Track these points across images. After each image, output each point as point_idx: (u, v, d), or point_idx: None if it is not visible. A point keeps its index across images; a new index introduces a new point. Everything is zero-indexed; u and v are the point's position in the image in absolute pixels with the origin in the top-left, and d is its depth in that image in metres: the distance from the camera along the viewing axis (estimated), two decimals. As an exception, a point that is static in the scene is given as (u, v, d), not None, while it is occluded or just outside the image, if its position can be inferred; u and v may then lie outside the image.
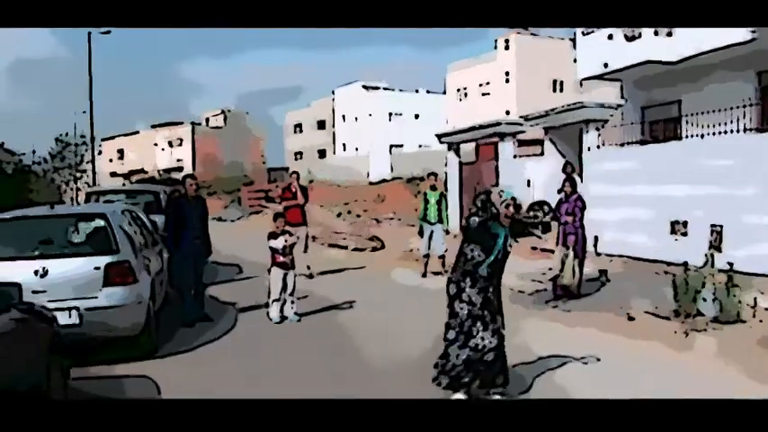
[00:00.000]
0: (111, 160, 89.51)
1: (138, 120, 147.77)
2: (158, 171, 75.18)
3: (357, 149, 70.85)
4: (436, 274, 14.07)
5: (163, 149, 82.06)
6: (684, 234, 13.18)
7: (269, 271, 10.30)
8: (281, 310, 10.14)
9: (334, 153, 75.43)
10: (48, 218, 8.57)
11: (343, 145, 75.35)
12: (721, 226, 12.22)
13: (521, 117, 20.85)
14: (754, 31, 15.38)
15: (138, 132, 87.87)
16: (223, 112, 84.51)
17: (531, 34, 59.55)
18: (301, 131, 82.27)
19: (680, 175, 13.67)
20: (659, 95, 20.37)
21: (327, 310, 11.17)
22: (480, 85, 62.67)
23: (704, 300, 8.99)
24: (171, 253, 9.81)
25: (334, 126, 77.57)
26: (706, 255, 10.04)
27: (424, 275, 14.51)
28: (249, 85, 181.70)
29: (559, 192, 11.81)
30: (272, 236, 10.19)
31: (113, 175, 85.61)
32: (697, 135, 15.69)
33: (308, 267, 14.38)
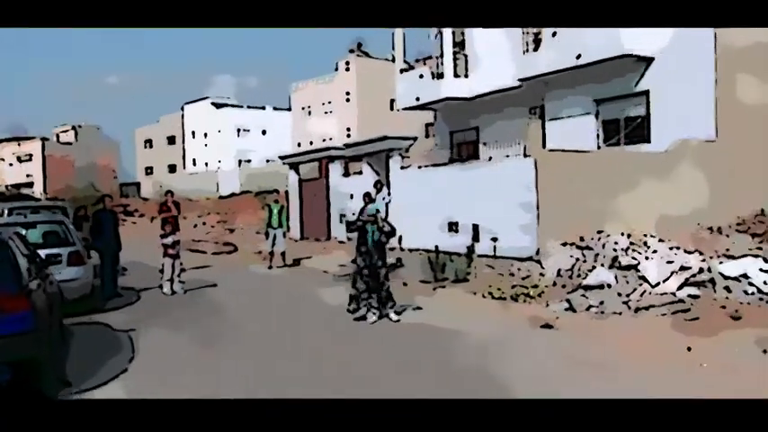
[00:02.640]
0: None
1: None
2: (6, 186, 74.06)
3: (207, 164, 73.01)
4: (280, 267, 18.95)
5: (11, 164, 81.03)
6: (457, 231, 18.38)
7: (163, 257, 14.81)
8: (171, 288, 14.63)
9: (185, 168, 77.15)
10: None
11: (193, 160, 77.32)
12: (477, 225, 17.46)
13: (344, 144, 25.88)
14: (521, 80, 21.26)
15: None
16: (74, 127, 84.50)
17: (370, 57, 64.47)
18: (152, 147, 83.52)
19: (454, 190, 18.72)
20: (462, 123, 26.09)
21: (205, 287, 15.76)
22: (323, 103, 66.87)
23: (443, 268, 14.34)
24: (96, 250, 14.06)
25: (184, 142, 79.41)
26: (467, 247, 15.45)
27: (270, 267, 19.26)
28: (98, 100, 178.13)
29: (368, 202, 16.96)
30: (164, 236, 14.78)
31: None
32: (486, 157, 21.41)
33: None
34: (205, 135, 76.93)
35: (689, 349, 7.93)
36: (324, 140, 56.86)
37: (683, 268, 10.23)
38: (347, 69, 64.83)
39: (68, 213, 17.67)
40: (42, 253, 10.44)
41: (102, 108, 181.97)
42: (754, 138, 16.41)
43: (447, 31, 24.22)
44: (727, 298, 9.48)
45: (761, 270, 9.98)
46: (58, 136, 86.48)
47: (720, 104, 16.80)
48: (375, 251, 11.41)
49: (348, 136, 59.05)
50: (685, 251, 11.11)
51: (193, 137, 78.64)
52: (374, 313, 11.10)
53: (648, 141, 18.30)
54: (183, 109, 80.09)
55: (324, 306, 12.51)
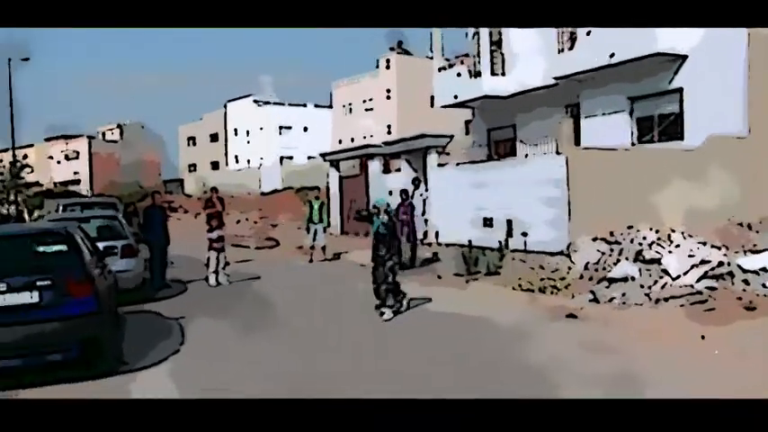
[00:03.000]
0: (1, 173, 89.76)
1: (28, 133, 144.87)
2: (54, 183, 75.78)
3: (249, 161, 73.78)
4: (320, 261, 19.67)
5: (59, 162, 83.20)
6: (491, 226, 18.88)
7: (208, 251, 15.65)
8: (217, 279, 15.39)
9: (227, 165, 78.00)
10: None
11: (236, 157, 78.09)
12: (511, 220, 17.94)
13: (383, 142, 26.51)
14: (556, 79, 21.67)
15: (31, 146, 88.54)
16: (119, 125, 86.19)
17: (410, 55, 64.87)
18: (195, 144, 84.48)
19: (489, 186, 19.21)
20: (500, 121, 26.54)
21: (249, 279, 16.56)
22: (364, 101, 67.16)
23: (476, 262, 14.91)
24: (146, 243, 14.89)
25: (226, 139, 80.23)
26: (500, 241, 16.02)
27: (311, 261, 19.97)
28: (142, 99, 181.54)
29: (404, 199, 17.60)
30: (210, 231, 15.54)
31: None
32: (522, 155, 21.87)
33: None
34: (247, 132, 77.56)
35: (702, 338, 8.38)
36: (365, 137, 57.33)
37: (703, 262, 10.64)
38: (387, 67, 64.98)
39: (118, 209, 18.57)
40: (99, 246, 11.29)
41: (146, 106, 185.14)
42: (786, 134, 16.59)
43: (484, 31, 24.64)
44: (744, 290, 9.87)
45: (781, 264, 10.35)
46: (103, 134, 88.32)
47: (752, 101, 17.02)
48: (381, 243, 11.58)
49: (389, 133, 59.51)
50: (707, 245, 11.49)
51: (236, 134, 79.29)
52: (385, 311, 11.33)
53: (682, 138, 18.55)
54: (225, 107, 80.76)
55: (358, 294, 13.17)
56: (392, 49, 65.46)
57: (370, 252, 11.74)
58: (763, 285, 9.89)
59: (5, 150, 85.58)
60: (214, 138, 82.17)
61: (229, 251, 17.74)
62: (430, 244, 20.46)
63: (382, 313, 11.23)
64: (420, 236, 20.69)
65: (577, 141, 22.06)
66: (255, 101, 77.92)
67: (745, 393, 5.98)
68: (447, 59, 28.33)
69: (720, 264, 10.56)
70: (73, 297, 7.72)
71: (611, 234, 14.55)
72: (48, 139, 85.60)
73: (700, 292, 9.96)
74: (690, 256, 10.85)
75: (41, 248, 8.38)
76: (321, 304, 13.15)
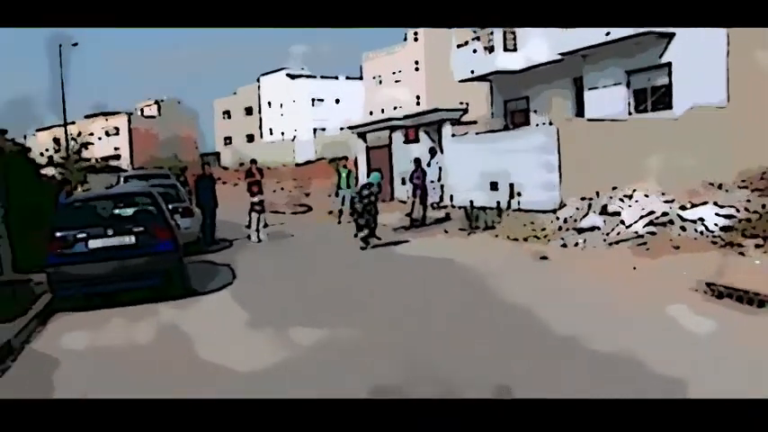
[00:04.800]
0: (46, 149, 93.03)
1: (70, 110, 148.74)
2: (96, 159, 78.11)
3: (283, 134, 75.49)
4: (348, 222, 22.38)
5: (100, 138, 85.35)
6: (497, 190, 21.22)
7: (249, 214, 18.51)
8: (258, 236, 18.24)
9: (262, 137, 79.93)
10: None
11: (270, 129, 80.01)
12: (513, 184, 20.27)
13: (403, 116, 28.87)
14: (561, 54, 23.89)
15: (73, 123, 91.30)
16: (157, 101, 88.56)
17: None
18: (230, 118, 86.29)
19: (495, 154, 21.41)
20: (514, 93, 28.83)
21: (285, 237, 19.41)
22: (393, 73, 68.69)
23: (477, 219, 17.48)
24: (199, 207, 17.72)
25: (260, 112, 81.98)
26: (498, 202, 18.50)
27: (339, 223, 22.65)
28: (178, 74, 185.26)
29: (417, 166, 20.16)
30: (252, 195, 18.32)
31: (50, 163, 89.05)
32: (534, 124, 24.19)
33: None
34: (281, 105, 78.97)
35: (634, 268, 10.96)
36: (395, 108, 59.13)
37: (650, 213, 13.00)
38: (416, 39, 66.27)
39: (171, 178, 21.37)
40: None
41: (182, 82, 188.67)
42: (763, 103, 18.51)
43: (496, 10, 26.74)
44: (679, 235, 12.21)
45: (716, 215, 12.63)
46: (142, 110, 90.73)
47: (731, 74, 19.07)
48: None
49: (417, 104, 61.30)
50: (659, 200, 13.77)
51: (270, 107, 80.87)
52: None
53: (671, 108, 20.67)
54: (259, 80, 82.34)
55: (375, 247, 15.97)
56: (420, 20, 66.75)
57: (390, 215, 14.43)
58: (696, 231, 12.22)
59: (49, 128, 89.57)
60: (249, 111, 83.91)
61: (267, 216, 20.47)
62: (445, 206, 22.91)
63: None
64: (437, 199, 23.25)
65: (581, 112, 24.36)
66: (288, 74, 79.45)
67: (646, 299, 8.69)
68: (474, 31, 30.14)
69: (664, 214, 12.91)
70: (159, 240, 10.66)
71: (597, 194, 16.82)
72: (88, 116, 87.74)
73: (642, 236, 12.38)
74: (642, 209, 13.21)
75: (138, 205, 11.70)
76: (334, 250, 16.31)
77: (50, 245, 10.44)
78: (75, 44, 42.45)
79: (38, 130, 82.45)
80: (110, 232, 10.52)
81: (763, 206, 12.91)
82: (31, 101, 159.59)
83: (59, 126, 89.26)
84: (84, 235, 10.45)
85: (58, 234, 10.47)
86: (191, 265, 13.60)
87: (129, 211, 12.06)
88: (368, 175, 29.74)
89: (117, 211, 11.99)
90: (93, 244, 10.43)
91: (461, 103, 30.72)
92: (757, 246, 10.93)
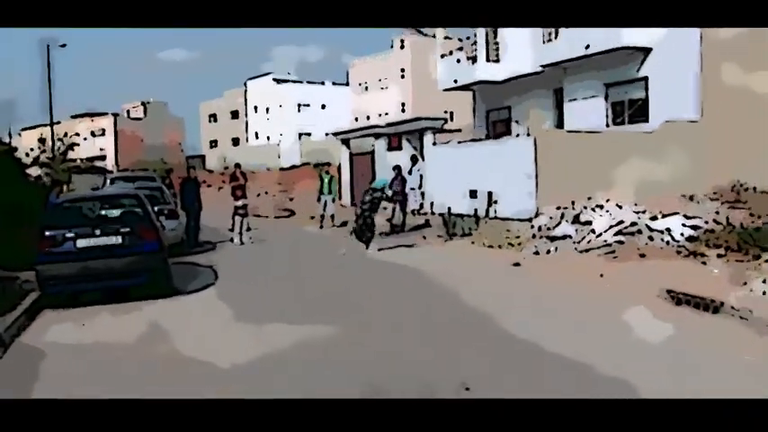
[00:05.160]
0: (31, 149, 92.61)
1: (55, 111, 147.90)
2: (81, 160, 77.85)
3: (269, 138, 75.90)
4: (329, 228, 22.80)
5: (85, 139, 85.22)
6: (476, 197, 21.67)
7: (233, 217, 18.88)
8: (240, 239, 18.59)
9: (247, 141, 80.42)
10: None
11: (256, 133, 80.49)
12: (491, 192, 20.72)
13: (386, 123, 29.33)
14: (542, 66, 24.42)
15: (59, 123, 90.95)
16: (143, 103, 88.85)
17: (424, 35, 66.90)
18: (216, 121, 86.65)
19: (474, 163, 21.80)
20: (496, 103, 29.35)
21: (266, 240, 19.76)
22: (379, 79, 69.32)
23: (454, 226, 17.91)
24: (184, 210, 18.09)
25: (246, 116, 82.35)
26: (475, 209, 18.94)
27: (321, 227, 23.06)
28: (165, 77, 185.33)
29: (397, 174, 20.58)
30: (236, 199, 18.74)
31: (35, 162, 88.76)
32: (515, 134, 24.68)
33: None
34: (267, 110, 79.54)
35: (601, 275, 11.44)
36: (380, 115, 59.57)
37: (619, 223, 13.51)
38: (402, 47, 67.12)
39: (157, 181, 21.72)
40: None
41: (168, 84, 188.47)
42: (735, 117, 19.03)
43: (479, 21, 27.33)
44: (646, 244, 12.72)
45: (683, 225, 13.15)
46: (128, 112, 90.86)
47: (704, 89, 19.66)
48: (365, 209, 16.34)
49: (402, 111, 61.92)
50: (628, 211, 14.30)
51: (256, 111, 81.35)
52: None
53: (647, 121, 21.23)
54: (245, 85, 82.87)
55: (355, 252, 16.32)
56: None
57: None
58: (662, 240, 12.73)
59: (35, 128, 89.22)
60: (235, 115, 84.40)
61: (250, 220, 20.81)
62: (425, 213, 23.35)
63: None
64: (417, 206, 23.71)
65: (561, 123, 24.90)
66: (275, 79, 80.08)
67: (611, 300, 9.10)
68: (460, 39, 30.67)
69: (633, 224, 13.42)
70: (144, 240, 11.12)
71: (573, 204, 17.30)
72: (74, 117, 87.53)
73: (611, 245, 12.88)
74: (613, 218, 13.72)
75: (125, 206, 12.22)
76: (313, 254, 16.78)
77: (40, 244, 10.84)
78: (63, 45, 42.32)
79: (23, 130, 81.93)
80: (97, 232, 10.95)
81: (727, 218, 13.43)
82: (17, 100, 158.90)
83: (45, 126, 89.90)
84: (72, 235, 10.87)
85: (48, 233, 10.88)
86: (176, 267, 14.03)
87: (116, 213, 12.52)
88: (353, 182, 30.57)
89: (104, 212, 12.48)
90: (82, 243, 10.85)
91: (445, 112, 31.39)
92: (719, 255, 11.41)
